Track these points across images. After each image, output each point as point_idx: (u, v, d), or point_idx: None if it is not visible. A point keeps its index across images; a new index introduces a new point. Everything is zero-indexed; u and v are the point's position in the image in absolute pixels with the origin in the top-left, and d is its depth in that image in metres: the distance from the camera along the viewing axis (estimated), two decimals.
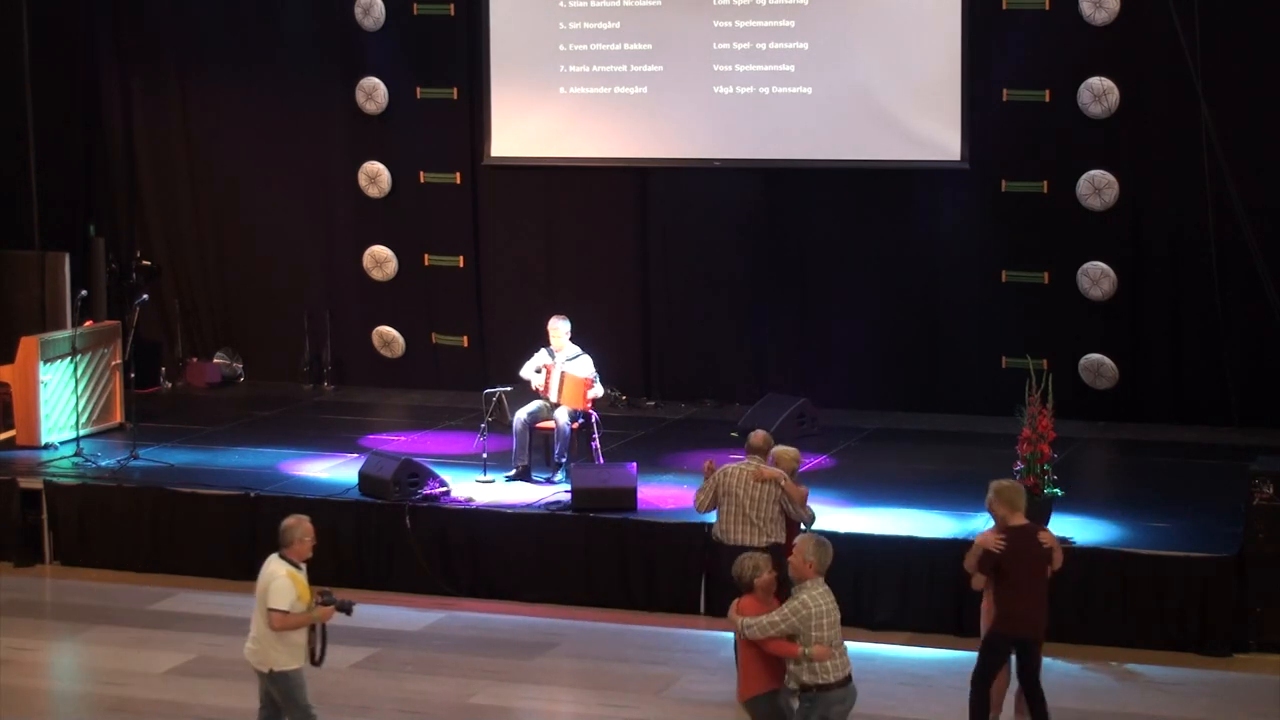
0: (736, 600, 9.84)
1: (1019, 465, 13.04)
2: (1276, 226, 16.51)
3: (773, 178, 18.20)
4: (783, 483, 11.72)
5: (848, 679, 9.66)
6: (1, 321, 18.67)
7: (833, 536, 13.05)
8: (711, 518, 12.09)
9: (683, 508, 14.32)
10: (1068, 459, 14.66)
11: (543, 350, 15.41)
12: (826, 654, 9.54)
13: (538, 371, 15.31)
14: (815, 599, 9.57)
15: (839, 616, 9.69)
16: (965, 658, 12.38)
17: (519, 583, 14.15)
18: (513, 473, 15.15)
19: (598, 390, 15.36)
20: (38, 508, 15.33)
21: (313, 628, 10.22)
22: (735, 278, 18.46)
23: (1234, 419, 16.81)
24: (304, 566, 10.26)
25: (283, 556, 10.19)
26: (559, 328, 15.36)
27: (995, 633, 10.71)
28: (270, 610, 10.03)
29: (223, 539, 14.88)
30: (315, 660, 10.28)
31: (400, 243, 19.35)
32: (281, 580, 10.07)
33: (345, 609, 10.28)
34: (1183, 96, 16.50)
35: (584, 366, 15.31)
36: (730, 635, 12.76)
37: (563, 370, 15.16)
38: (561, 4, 18.45)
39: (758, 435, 12.19)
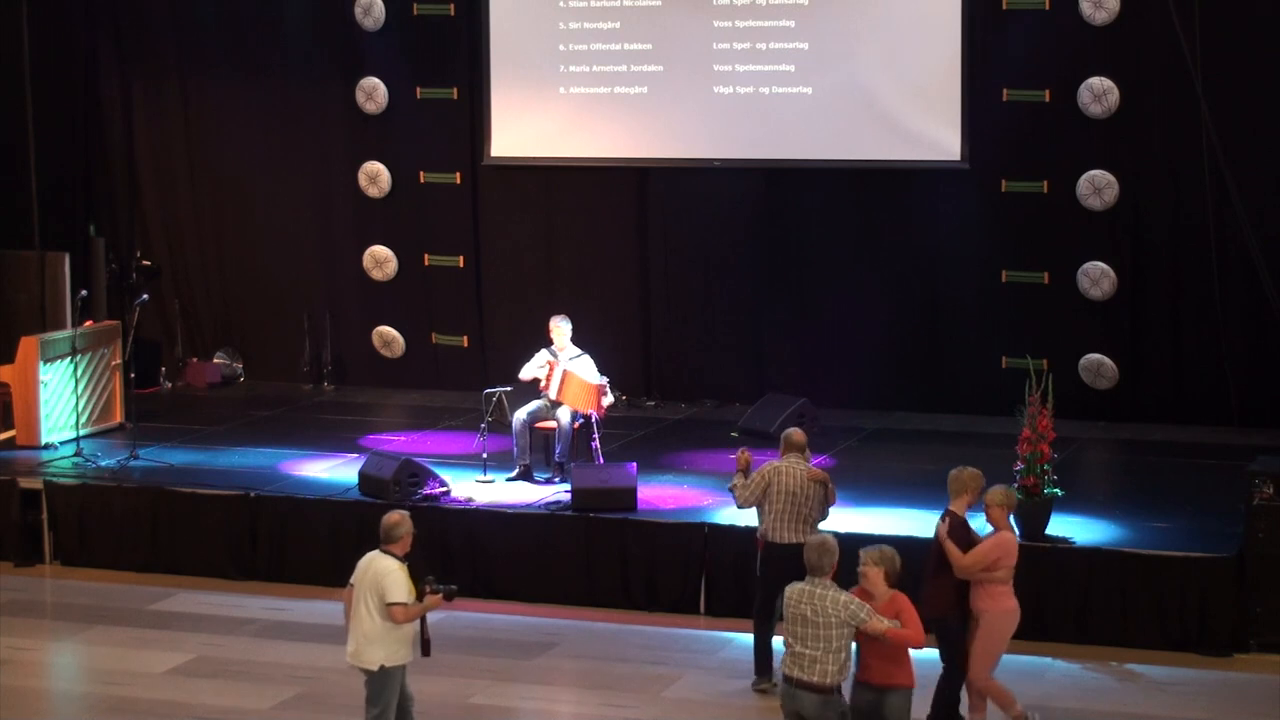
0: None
1: (1019, 465, 13.05)
2: (1276, 226, 16.51)
3: (773, 178, 18.20)
4: (829, 484, 11.88)
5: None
6: (1, 321, 18.68)
7: (833, 536, 13.13)
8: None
9: (683, 508, 14.34)
10: (1068, 459, 14.66)
11: (544, 350, 15.40)
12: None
13: (541, 367, 15.27)
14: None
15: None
16: None
17: (519, 583, 14.15)
18: (514, 473, 15.16)
19: (610, 398, 15.27)
20: (38, 508, 15.33)
21: (422, 619, 10.28)
22: (735, 277, 18.46)
23: (1234, 419, 16.81)
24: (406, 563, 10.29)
25: (386, 551, 10.21)
26: (561, 327, 15.35)
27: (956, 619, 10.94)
28: (392, 605, 10.06)
29: (223, 539, 14.88)
30: (426, 651, 10.34)
31: (400, 243, 19.35)
32: (397, 574, 10.12)
33: (450, 596, 10.31)
34: (1183, 96, 16.50)
35: (585, 367, 15.30)
36: (731, 635, 12.80)
37: (565, 369, 15.14)
38: (561, 4, 18.45)
39: (797, 433, 12.18)
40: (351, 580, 10.32)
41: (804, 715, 9.60)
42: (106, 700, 12.14)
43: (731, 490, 12.06)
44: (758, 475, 11.89)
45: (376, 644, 10.15)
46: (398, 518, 10.28)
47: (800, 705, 9.59)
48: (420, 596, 10.19)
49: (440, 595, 10.19)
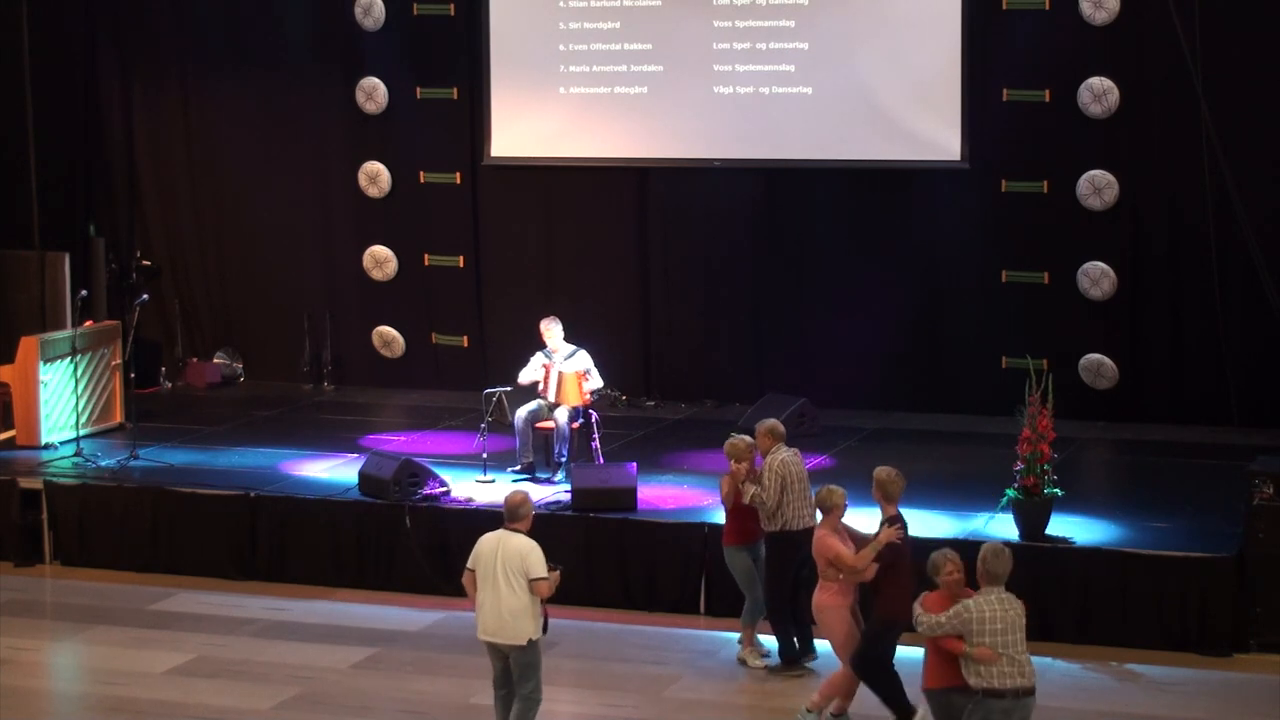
0: (924, 593, 10.00)
1: (1019, 465, 13.05)
2: (1276, 226, 16.51)
3: (773, 178, 18.20)
4: None
5: (1022, 691, 9.64)
6: (1, 321, 18.68)
7: None
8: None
9: (683, 508, 14.34)
10: (1068, 459, 14.66)
11: (539, 354, 15.42)
12: (990, 657, 9.59)
13: (537, 370, 15.32)
14: (980, 605, 9.66)
15: (1021, 625, 9.72)
16: None
17: None
18: (518, 468, 15.18)
19: (595, 383, 15.33)
20: (38, 508, 15.33)
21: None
22: (735, 278, 18.46)
23: (1234, 419, 16.81)
24: None
25: (513, 529, 10.55)
26: (551, 329, 15.39)
27: (890, 619, 10.92)
28: (537, 580, 10.42)
29: (223, 539, 14.88)
30: (544, 629, 10.62)
31: (400, 243, 19.35)
32: (538, 551, 10.48)
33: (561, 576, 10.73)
34: (1183, 96, 16.50)
35: (581, 362, 15.32)
36: (731, 635, 12.81)
37: (560, 370, 15.18)
38: (561, 4, 18.45)
39: (779, 424, 12.46)
40: (470, 565, 10.65)
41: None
42: (106, 700, 12.14)
43: (755, 501, 12.08)
44: (772, 475, 12.03)
45: (524, 618, 10.47)
46: (521, 497, 10.67)
47: (1028, 712, 9.72)
48: None
49: (558, 574, 10.58)
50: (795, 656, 12.23)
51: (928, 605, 9.88)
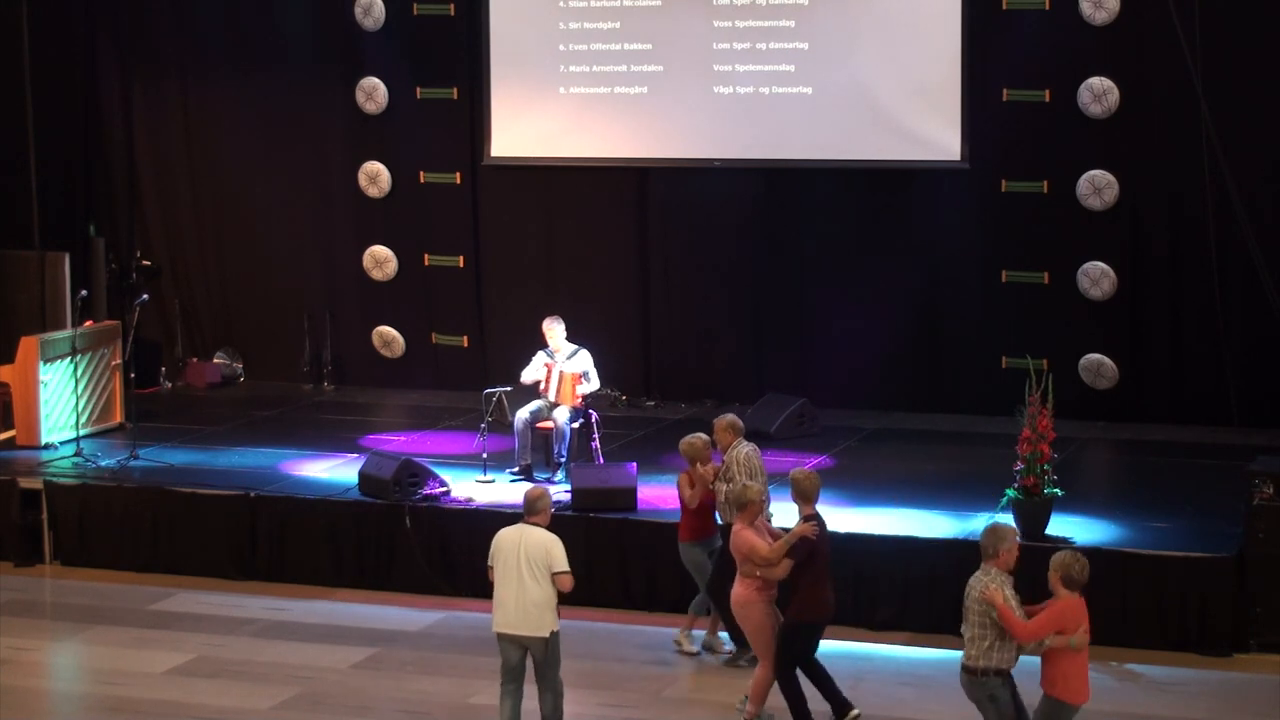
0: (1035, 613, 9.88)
1: (1019, 465, 13.05)
2: (1276, 226, 16.51)
3: (773, 178, 18.20)
4: None
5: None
6: (1, 321, 18.67)
7: (833, 536, 13.14)
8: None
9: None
10: (1068, 459, 14.66)
11: (541, 353, 15.42)
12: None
13: (539, 369, 15.31)
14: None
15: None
16: None
17: None
18: (516, 469, 15.18)
19: (591, 385, 15.33)
20: (38, 508, 15.34)
21: None
22: (735, 278, 18.46)
23: (1234, 419, 16.81)
24: None
25: (532, 523, 10.74)
26: (554, 329, 15.39)
27: (800, 621, 11.01)
28: (560, 573, 10.63)
29: (223, 539, 14.89)
30: None
31: (400, 243, 19.35)
32: (560, 545, 10.68)
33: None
34: (1183, 96, 16.50)
35: (582, 362, 15.32)
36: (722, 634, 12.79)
37: (561, 370, 15.19)
38: (561, 4, 18.45)
39: (737, 419, 12.66)
40: (490, 560, 10.82)
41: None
42: (106, 700, 12.15)
43: (729, 497, 12.10)
44: (739, 468, 12.22)
45: (546, 610, 10.64)
46: (539, 491, 10.90)
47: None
48: None
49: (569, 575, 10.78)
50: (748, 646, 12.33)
51: (1044, 625, 9.71)
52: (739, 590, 11.23)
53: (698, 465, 12.43)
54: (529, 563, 10.62)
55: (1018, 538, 10.13)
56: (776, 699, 11.20)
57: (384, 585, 14.40)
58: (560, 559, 10.64)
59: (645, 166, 18.54)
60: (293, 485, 15.29)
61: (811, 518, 11.08)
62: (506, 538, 10.76)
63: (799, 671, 11.16)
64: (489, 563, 10.83)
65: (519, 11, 18.61)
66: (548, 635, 10.66)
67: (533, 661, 10.78)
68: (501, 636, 10.77)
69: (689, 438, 12.61)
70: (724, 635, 12.73)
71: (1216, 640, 12.67)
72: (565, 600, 13.79)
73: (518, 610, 10.64)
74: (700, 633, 12.88)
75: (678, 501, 12.86)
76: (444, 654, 12.96)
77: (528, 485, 14.86)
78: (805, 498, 11.17)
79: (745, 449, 12.39)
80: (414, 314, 19.46)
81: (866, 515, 13.96)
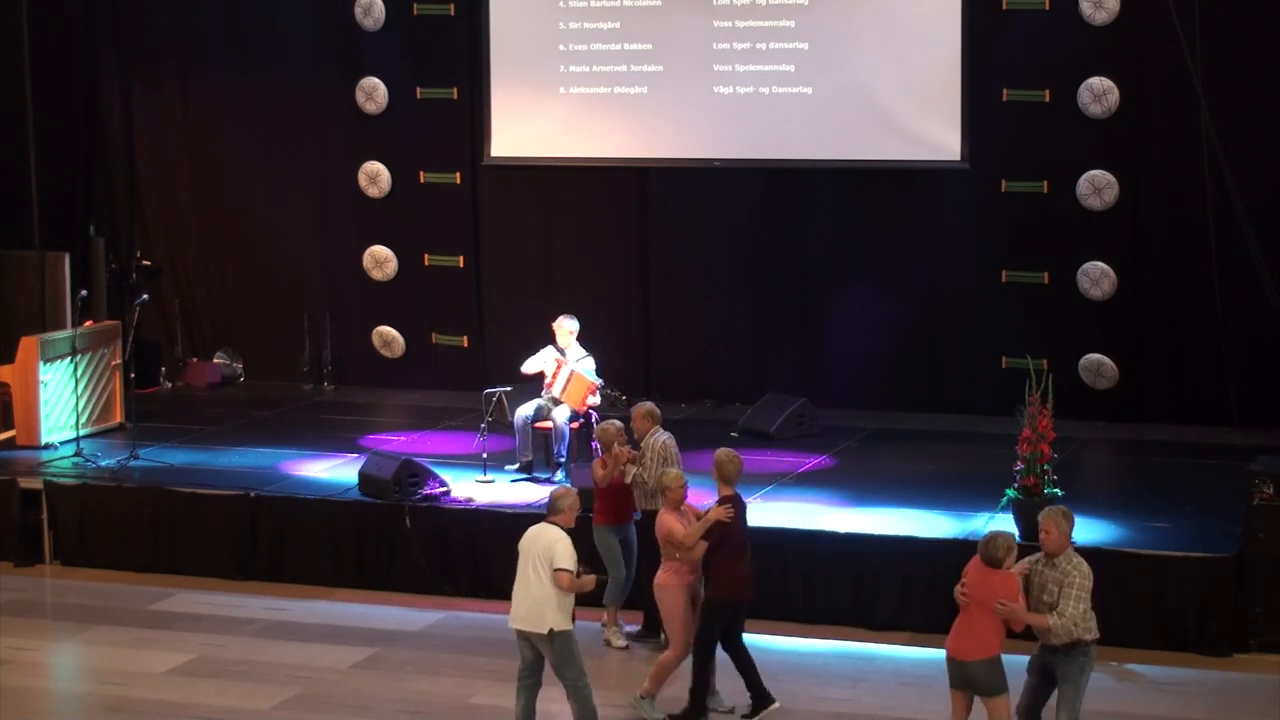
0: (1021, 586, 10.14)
1: (1019, 465, 13.05)
2: (1276, 226, 16.51)
3: (773, 178, 18.20)
4: None
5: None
6: (1, 321, 18.67)
7: (833, 536, 13.15)
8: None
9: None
10: (1068, 459, 14.65)
11: (549, 347, 15.40)
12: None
13: (547, 363, 15.27)
14: (1086, 568, 10.05)
15: None
16: None
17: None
18: (517, 466, 15.19)
19: (597, 398, 15.37)
20: (38, 508, 15.34)
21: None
22: (735, 278, 18.46)
23: (1234, 419, 16.81)
24: None
25: (552, 522, 10.86)
26: (566, 326, 15.37)
27: (717, 599, 11.22)
28: (559, 570, 10.68)
29: (223, 539, 14.89)
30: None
31: (400, 243, 19.35)
32: (565, 542, 10.76)
33: (594, 583, 11.12)
34: (1183, 96, 16.50)
35: (589, 369, 15.31)
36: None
37: (572, 369, 15.16)
38: (561, 4, 18.45)
39: (654, 406, 13.02)
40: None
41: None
42: (106, 700, 12.15)
43: (637, 481, 12.54)
44: (653, 455, 12.53)
45: (546, 608, 10.72)
46: (563, 491, 11.07)
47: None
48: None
49: (593, 578, 10.97)
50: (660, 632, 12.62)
51: (1005, 591, 9.98)
52: (660, 574, 11.54)
53: (614, 448, 12.66)
54: (535, 560, 10.75)
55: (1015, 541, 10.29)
56: (676, 694, 11.44)
57: (384, 585, 14.40)
58: (561, 556, 10.69)
59: (645, 166, 18.54)
60: (293, 485, 15.29)
61: (729, 499, 11.33)
62: (526, 535, 10.95)
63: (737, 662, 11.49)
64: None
65: (519, 11, 18.61)
66: (545, 633, 10.71)
67: (549, 661, 10.88)
68: (515, 632, 10.94)
69: (604, 424, 12.98)
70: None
71: (1216, 640, 12.68)
72: None
73: (523, 606, 10.78)
74: (634, 627, 13.06)
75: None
76: (444, 654, 12.96)
77: (527, 484, 14.91)
78: (725, 479, 11.42)
79: (662, 437, 12.71)
80: (414, 314, 19.46)
81: (866, 515, 13.96)
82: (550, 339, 15.46)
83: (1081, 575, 9.97)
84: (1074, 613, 9.90)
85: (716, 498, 11.44)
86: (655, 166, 18.52)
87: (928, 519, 13.83)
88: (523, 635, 10.85)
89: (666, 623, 11.62)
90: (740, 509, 11.39)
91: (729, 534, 11.23)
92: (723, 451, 11.57)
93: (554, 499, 10.96)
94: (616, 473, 12.65)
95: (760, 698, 11.51)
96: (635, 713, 11.54)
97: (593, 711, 10.89)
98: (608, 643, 12.94)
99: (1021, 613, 9.99)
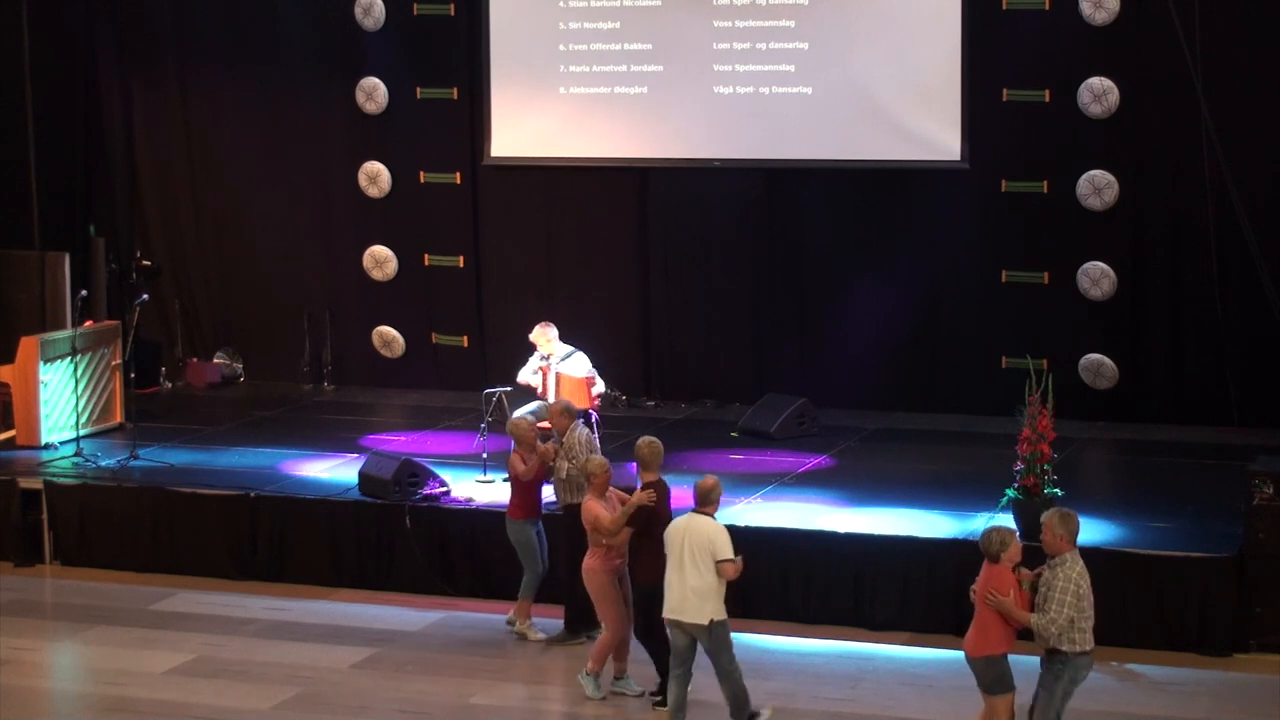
0: (1008, 580, 10.21)
1: (1019, 465, 13.05)
2: (1276, 226, 16.51)
3: (773, 178, 18.20)
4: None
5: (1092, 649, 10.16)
6: (1, 321, 18.67)
7: (833, 536, 13.14)
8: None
9: (683, 508, 14.28)
10: (1068, 459, 14.66)
11: (535, 356, 15.41)
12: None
13: (534, 373, 15.35)
14: (1083, 573, 10.04)
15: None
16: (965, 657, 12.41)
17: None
18: None
19: (600, 386, 15.38)
20: (38, 508, 15.33)
21: None
22: (735, 278, 18.46)
23: (1234, 419, 16.81)
24: None
25: (703, 513, 11.03)
26: (543, 335, 15.39)
27: (645, 584, 11.51)
28: (724, 561, 10.86)
29: (223, 539, 14.89)
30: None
31: (400, 243, 19.35)
32: (725, 533, 10.98)
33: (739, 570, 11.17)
34: (1183, 96, 16.50)
35: (579, 364, 15.32)
36: (731, 635, 12.80)
37: (558, 372, 15.19)
38: (561, 4, 18.45)
39: (570, 403, 13.32)
40: (666, 549, 11.09)
41: None
42: (106, 700, 12.14)
43: (568, 475, 12.65)
44: (581, 448, 12.65)
45: (707, 599, 10.88)
46: (713, 481, 11.16)
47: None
48: None
49: (740, 560, 10.98)
50: (580, 628, 12.84)
51: (1000, 583, 10.09)
52: (587, 559, 11.78)
53: (538, 445, 12.90)
54: (693, 551, 10.88)
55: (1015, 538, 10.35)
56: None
57: (384, 585, 14.40)
58: (724, 547, 10.88)
59: (645, 166, 18.54)
60: (293, 485, 15.29)
61: (652, 484, 11.52)
62: (675, 527, 11.09)
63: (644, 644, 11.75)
64: (666, 550, 11.12)
65: (519, 11, 18.61)
66: (706, 624, 10.87)
67: (704, 649, 11.04)
68: (669, 622, 11.09)
69: (516, 419, 13.37)
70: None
71: (1216, 640, 12.67)
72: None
73: (680, 598, 10.93)
74: (551, 621, 13.20)
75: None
76: (444, 654, 12.96)
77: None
78: (646, 465, 11.64)
79: (582, 430, 12.91)
80: (414, 314, 19.46)
81: (866, 515, 13.95)
82: (533, 349, 15.47)
83: (1068, 579, 9.97)
84: (1055, 614, 9.91)
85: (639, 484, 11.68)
86: (655, 166, 18.52)
87: (928, 519, 13.82)
88: (678, 625, 11.02)
89: (596, 605, 11.87)
90: (663, 493, 11.59)
91: (653, 518, 11.43)
92: (643, 439, 11.79)
93: (705, 491, 11.08)
94: (541, 467, 12.87)
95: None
96: (581, 687, 11.84)
97: (744, 689, 11.08)
98: (523, 635, 13.08)
99: (1009, 607, 10.07)
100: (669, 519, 11.47)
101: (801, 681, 12.03)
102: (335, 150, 19.45)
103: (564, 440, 12.79)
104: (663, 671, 11.58)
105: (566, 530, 12.67)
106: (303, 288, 19.76)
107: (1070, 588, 9.94)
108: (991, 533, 10.19)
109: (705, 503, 11.07)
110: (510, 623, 13.17)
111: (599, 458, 12.08)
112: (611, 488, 11.87)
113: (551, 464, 12.81)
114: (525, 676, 12.58)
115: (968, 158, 17.32)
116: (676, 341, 18.75)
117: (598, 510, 11.63)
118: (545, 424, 15.15)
